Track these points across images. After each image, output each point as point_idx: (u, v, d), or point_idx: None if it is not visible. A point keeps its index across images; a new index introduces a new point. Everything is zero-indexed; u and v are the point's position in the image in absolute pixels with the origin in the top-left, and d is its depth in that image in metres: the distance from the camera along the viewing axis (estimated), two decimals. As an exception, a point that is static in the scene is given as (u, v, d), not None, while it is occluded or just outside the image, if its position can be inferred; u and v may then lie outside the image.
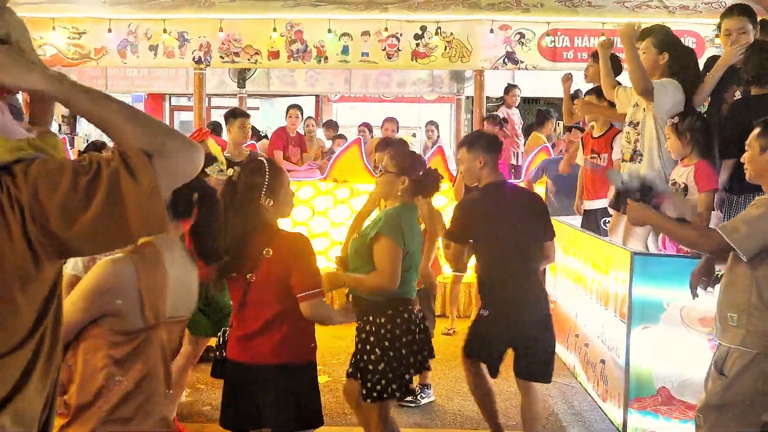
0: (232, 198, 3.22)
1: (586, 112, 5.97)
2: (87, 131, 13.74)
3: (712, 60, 5.07)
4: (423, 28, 8.64)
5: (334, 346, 6.28)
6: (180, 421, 4.82)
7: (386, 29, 8.59)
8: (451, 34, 8.65)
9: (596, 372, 5.04)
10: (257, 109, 15.81)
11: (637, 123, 4.85)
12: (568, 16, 8.53)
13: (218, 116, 10.46)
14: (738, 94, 4.65)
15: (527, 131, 10.89)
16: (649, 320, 4.30)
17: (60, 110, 12.38)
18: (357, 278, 3.76)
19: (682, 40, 5.26)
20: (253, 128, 9.51)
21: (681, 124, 4.42)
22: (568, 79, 6.66)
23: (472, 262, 4.60)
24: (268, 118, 15.48)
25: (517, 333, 4.22)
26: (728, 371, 3.28)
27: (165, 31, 8.65)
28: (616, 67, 5.61)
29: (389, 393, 3.74)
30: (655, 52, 4.79)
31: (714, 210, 4.41)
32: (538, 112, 10.70)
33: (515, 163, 10.18)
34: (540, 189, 7.61)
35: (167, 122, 11.89)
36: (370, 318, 3.77)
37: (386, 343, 3.72)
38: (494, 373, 4.33)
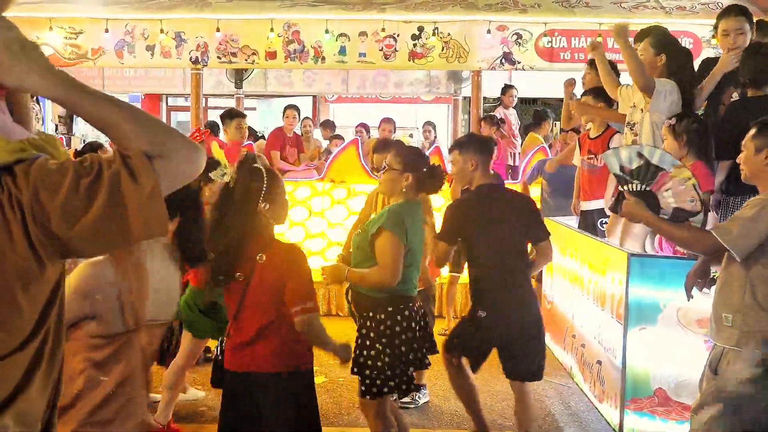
0: (229, 203, 3.20)
1: (582, 113, 5.97)
2: (84, 131, 13.72)
3: (706, 62, 5.08)
4: (420, 29, 8.64)
5: (331, 347, 6.28)
6: (177, 421, 4.81)
7: (383, 30, 8.58)
8: (449, 34, 8.65)
9: (593, 373, 5.04)
10: (254, 109, 15.80)
11: (635, 124, 4.87)
12: (565, 16, 8.53)
13: (215, 117, 10.44)
14: (735, 96, 4.66)
15: (524, 132, 10.91)
16: (646, 321, 4.30)
17: (56, 111, 12.36)
18: (358, 273, 3.77)
19: (678, 40, 5.25)
20: (250, 129, 9.51)
21: (678, 126, 4.43)
22: (570, 84, 6.65)
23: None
24: (265, 118, 15.48)
25: (508, 334, 4.23)
26: (723, 371, 3.28)
27: (162, 31, 8.64)
28: (614, 72, 5.65)
29: (388, 389, 3.74)
30: (652, 53, 4.81)
31: (710, 211, 4.41)
32: (535, 113, 10.71)
33: (512, 164, 10.19)
34: (536, 190, 7.63)
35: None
36: (371, 314, 3.77)
37: (384, 340, 3.72)
38: (476, 368, 4.36)
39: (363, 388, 3.79)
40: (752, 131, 3.33)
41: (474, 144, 4.40)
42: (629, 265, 4.32)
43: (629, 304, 4.33)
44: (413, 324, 3.78)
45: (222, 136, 7.40)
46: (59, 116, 12.88)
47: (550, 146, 9.03)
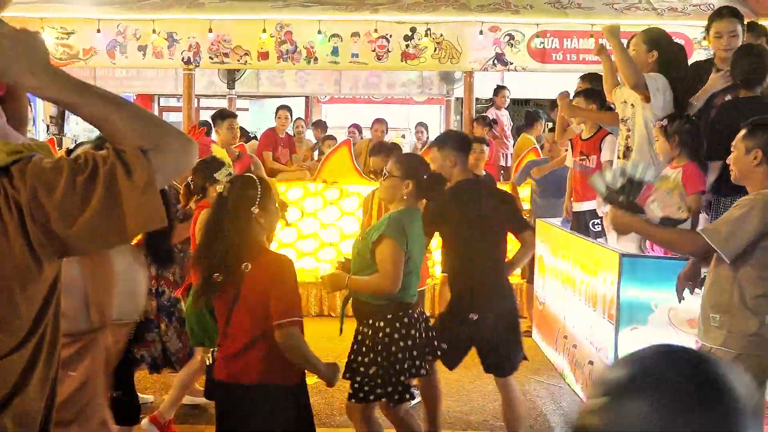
0: (224, 211, 3.18)
1: (574, 115, 5.99)
2: (75, 132, 13.67)
3: (696, 66, 5.09)
4: (413, 30, 8.64)
5: (323, 347, 6.27)
6: (176, 422, 4.81)
7: (376, 30, 8.58)
8: (441, 35, 8.66)
9: (585, 373, 5.05)
10: (246, 110, 15.77)
11: (627, 119, 4.88)
12: (557, 17, 8.55)
13: (207, 117, 10.42)
14: (729, 98, 4.67)
15: (517, 133, 10.92)
16: (637, 321, 4.32)
17: (48, 111, 12.31)
18: (358, 280, 3.76)
19: (672, 38, 5.25)
20: (242, 129, 9.49)
21: (670, 127, 4.44)
22: (565, 97, 6.65)
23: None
24: (257, 119, 15.45)
25: (492, 330, 4.25)
26: None
27: (154, 31, 8.61)
28: (600, 99, 5.72)
29: (374, 396, 3.74)
30: (644, 49, 4.82)
31: (702, 212, 4.43)
32: (527, 114, 10.73)
33: (504, 165, 10.21)
34: (525, 190, 7.65)
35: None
36: (370, 321, 3.76)
37: (380, 347, 3.71)
38: (453, 366, 4.37)
39: (351, 392, 3.80)
40: (742, 132, 3.35)
41: (452, 141, 4.46)
42: (621, 266, 4.34)
43: (620, 305, 4.34)
44: (412, 331, 3.77)
45: (214, 136, 7.38)
46: (51, 116, 12.82)
47: (542, 147, 9.05)
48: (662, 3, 8.50)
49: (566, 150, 6.84)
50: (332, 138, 10.22)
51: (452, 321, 4.30)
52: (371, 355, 3.72)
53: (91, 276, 2.37)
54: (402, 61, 8.76)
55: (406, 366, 3.75)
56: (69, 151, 6.07)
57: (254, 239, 3.18)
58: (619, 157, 5.00)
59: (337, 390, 5.45)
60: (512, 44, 8.71)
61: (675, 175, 4.41)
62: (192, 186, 4.57)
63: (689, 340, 4.15)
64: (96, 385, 2.40)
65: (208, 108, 14.48)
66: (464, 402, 5.47)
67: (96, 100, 1.52)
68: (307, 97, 15.35)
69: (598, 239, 5.45)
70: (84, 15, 8.61)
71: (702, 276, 3.63)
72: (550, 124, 9.13)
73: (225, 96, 12.50)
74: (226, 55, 8.74)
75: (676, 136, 4.40)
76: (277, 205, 3.32)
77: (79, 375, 2.35)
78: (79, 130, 13.60)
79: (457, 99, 12.39)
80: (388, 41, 8.67)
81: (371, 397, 3.73)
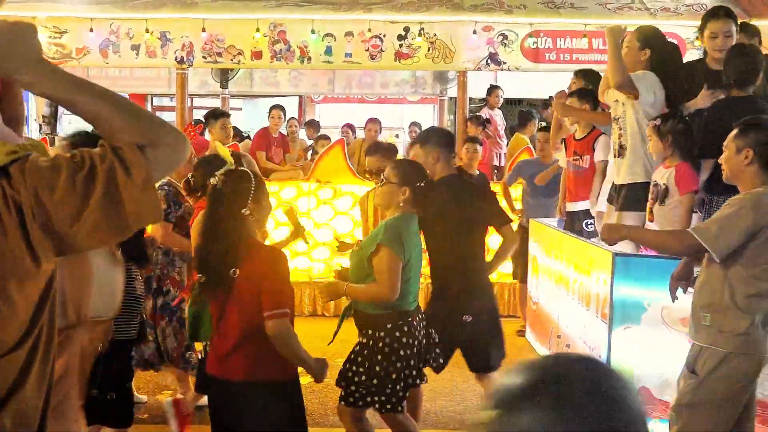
0: (219, 205, 3.17)
1: (567, 115, 6.00)
2: (68, 131, 13.63)
3: (686, 66, 5.10)
4: (406, 29, 8.64)
5: (316, 347, 6.26)
6: (161, 422, 4.79)
7: (369, 30, 8.58)
8: (435, 35, 8.66)
9: (578, 372, 5.06)
10: (240, 109, 15.75)
11: (618, 118, 4.89)
12: (550, 17, 8.56)
13: (200, 117, 10.40)
14: (723, 97, 4.67)
15: (510, 132, 10.94)
16: (631, 320, 4.32)
17: (40, 110, 12.27)
18: (356, 288, 3.76)
19: (666, 37, 5.24)
20: (236, 129, 9.47)
21: (663, 126, 4.45)
22: (561, 96, 6.65)
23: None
24: (250, 118, 15.42)
25: (477, 326, 4.27)
26: (700, 370, 3.32)
27: (147, 30, 8.59)
28: (593, 98, 5.74)
29: (363, 404, 3.74)
30: (637, 47, 4.83)
31: (696, 212, 4.45)
32: (520, 113, 10.74)
33: (498, 164, 10.22)
34: (516, 191, 7.65)
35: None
36: (369, 332, 3.76)
37: (380, 357, 3.70)
38: (439, 370, 4.38)
39: (343, 394, 3.80)
40: (734, 132, 3.36)
41: (434, 137, 4.49)
42: (614, 265, 4.34)
43: (614, 304, 4.35)
44: (411, 340, 3.77)
45: (207, 135, 7.37)
46: (43, 116, 12.77)
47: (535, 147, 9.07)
48: (655, 3, 8.52)
49: (557, 150, 6.85)
50: (326, 138, 10.21)
51: (436, 322, 4.30)
52: (367, 365, 3.71)
53: (69, 273, 2.36)
54: (395, 60, 8.76)
55: (403, 375, 3.75)
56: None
57: (248, 235, 3.18)
58: (615, 157, 5.01)
59: (331, 390, 5.44)
60: (505, 44, 8.72)
61: (668, 175, 4.42)
62: (192, 183, 4.55)
63: (682, 338, 4.17)
64: (70, 382, 2.39)
65: (201, 107, 14.46)
66: (458, 401, 5.47)
67: (90, 95, 1.52)
68: (300, 97, 15.34)
69: (591, 239, 5.46)
70: (77, 14, 8.58)
71: (695, 275, 3.64)
72: (543, 124, 9.15)
73: (218, 95, 12.47)
74: (219, 54, 8.73)
75: (669, 135, 4.41)
76: (291, 223, 3.31)
77: (54, 371, 2.36)
78: (71, 130, 13.57)
79: (451, 98, 12.40)
80: (381, 41, 8.67)
81: (360, 404, 3.74)
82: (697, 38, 5.76)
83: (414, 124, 11.85)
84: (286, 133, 10.24)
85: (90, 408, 3.51)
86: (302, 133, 11.78)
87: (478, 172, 7.46)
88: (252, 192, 3.16)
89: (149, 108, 15.93)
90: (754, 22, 6.19)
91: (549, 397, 0.95)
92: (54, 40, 8.72)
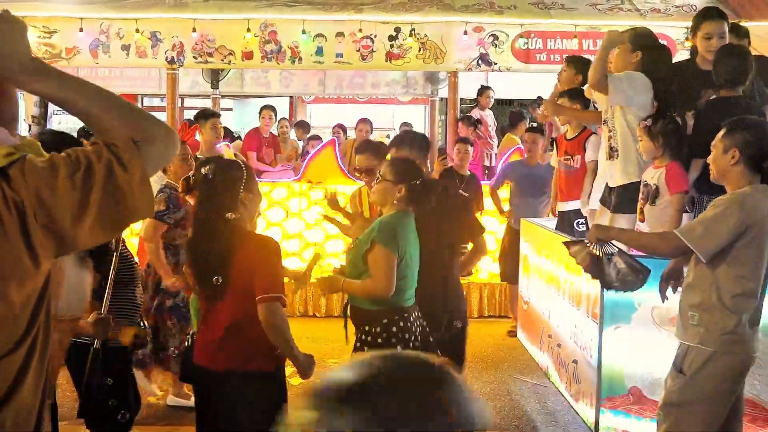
0: (211, 194, 3.16)
1: (558, 114, 6.01)
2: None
3: (674, 67, 5.11)
4: (397, 30, 8.64)
5: (307, 348, 6.25)
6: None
7: (360, 30, 8.58)
8: (425, 35, 8.66)
9: (569, 372, 5.07)
10: (231, 110, 15.71)
11: (607, 120, 4.91)
12: (541, 18, 8.58)
13: (191, 117, 10.37)
14: (714, 97, 4.69)
15: (501, 133, 10.95)
16: (621, 320, 4.34)
17: (30, 110, 12.21)
18: (353, 283, 3.76)
19: (658, 40, 5.25)
20: (226, 129, 9.46)
21: (654, 127, 4.46)
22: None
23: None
24: (241, 119, 15.39)
25: (454, 329, 4.32)
26: (687, 369, 3.33)
27: (137, 30, 8.56)
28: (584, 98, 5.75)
29: None
30: (629, 49, 4.84)
31: (686, 211, 4.46)
32: (511, 114, 10.77)
33: (489, 165, 10.23)
34: (504, 192, 7.66)
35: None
36: (366, 328, 3.75)
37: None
38: None
39: None
40: (721, 132, 3.39)
41: (409, 140, 4.53)
42: (604, 265, 4.35)
43: (604, 304, 4.36)
44: (408, 335, 3.77)
45: (197, 136, 7.35)
46: (33, 116, 12.72)
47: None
48: (645, 4, 8.55)
49: (549, 151, 6.86)
50: (317, 138, 10.21)
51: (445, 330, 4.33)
52: None
53: None
54: (386, 61, 8.76)
55: None
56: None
57: (240, 225, 3.17)
58: (606, 159, 5.01)
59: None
60: (496, 44, 8.73)
61: (658, 175, 4.44)
62: (192, 182, 4.55)
63: (672, 338, 4.18)
64: None
65: (191, 108, 14.41)
66: (449, 401, 5.47)
67: (83, 93, 1.53)
68: (291, 97, 15.30)
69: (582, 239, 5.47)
70: (66, 14, 8.55)
71: (684, 276, 3.66)
72: (534, 124, 9.16)
73: (209, 96, 12.43)
74: (210, 54, 8.71)
75: (661, 136, 4.42)
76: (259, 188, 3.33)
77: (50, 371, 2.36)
78: (61, 130, 13.51)
79: (442, 99, 12.41)
80: (372, 41, 8.67)
81: None
82: (687, 39, 5.79)
83: (405, 124, 11.86)
84: (277, 134, 10.23)
85: (89, 413, 3.49)
86: (292, 134, 11.76)
87: (469, 173, 7.47)
88: (244, 180, 3.16)
89: (140, 108, 15.88)
90: (743, 23, 6.21)
91: (371, 400, 0.90)
92: (44, 40, 8.68)
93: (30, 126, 12.64)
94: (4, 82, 1.55)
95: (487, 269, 8.00)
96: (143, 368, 4.92)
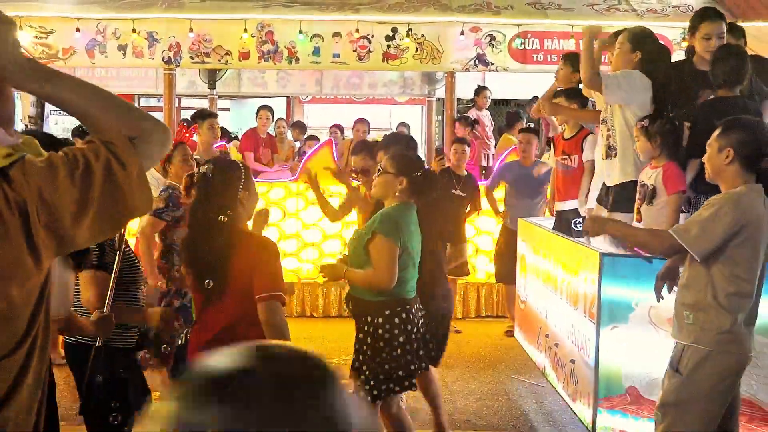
0: (209, 193, 3.15)
1: (555, 113, 6.01)
2: (54, 132, 13.55)
3: (671, 67, 5.11)
4: (394, 30, 8.64)
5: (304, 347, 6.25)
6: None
7: (357, 30, 8.57)
8: (422, 35, 8.66)
9: (566, 372, 5.07)
10: (228, 110, 15.69)
11: (606, 119, 4.91)
12: (538, 18, 8.59)
13: (188, 117, 10.36)
14: (712, 97, 4.69)
15: (498, 133, 10.95)
16: (618, 320, 4.34)
17: (26, 110, 12.20)
18: (356, 272, 3.77)
19: (657, 39, 5.24)
20: (224, 129, 9.45)
21: (651, 127, 4.46)
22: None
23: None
24: (238, 119, 15.38)
25: (435, 327, 4.40)
26: (683, 369, 3.34)
27: (134, 31, 8.55)
28: (581, 98, 5.75)
29: (380, 393, 3.73)
30: (628, 48, 4.83)
31: (683, 211, 4.46)
32: (508, 114, 10.76)
33: (486, 165, 10.23)
34: (499, 193, 7.66)
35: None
36: (368, 318, 3.76)
37: (381, 344, 3.71)
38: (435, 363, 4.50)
39: (353, 388, 3.80)
40: (716, 131, 3.40)
41: (397, 141, 4.55)
42: (601, 265, 4.35)
43: (601, 304, 4.36)
44: (409, 326, 3.77)
45: (194, 136, 7.34)
46: (29, 116, 12.70)
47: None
48: (641, 4, 8.56)
49: (547, 151, 6.86)
50: (314, 138, 10.21)
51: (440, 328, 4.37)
52: (369, 353, 3.71)
53: None
54: (383, 61, 8.76)
55: (410, 358, 3.75)
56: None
57: (237, 225, 3.16)
58: (603, 158, 5.02)
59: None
60: (493, 45, 8.73)
61: (655, 175, 4.44)
62: (195, 179, 4.56)
63: (669, 338, 4.18)
64: None
65: (188, 108, 14.40)
66: (447, 402, 5.47)
67: (78, 91, 1.53)
68: (288, 98, 15.30)
69: (579, 238, 5.47)
70: (63, 14, 8.54)
71: (680, 276, 3.67)
72: (531, 125, 9.16)
73: (206, 96, 12.43)
74: (206, 54, 8.70)
75: (658, 136, 4.43)
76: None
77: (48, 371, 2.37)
78: (58, 130, 13.49)
79: (439, 99, 12.41)
80: (369, 41, 8.66)
81: (375, 393, 3.73)
82: (684, 39, 5.79)
83: (402, 124, 11.86)
84: (274, 134, 10.22)
85: (89, 413, 3.47)
86: (289, 134, 11.76)
87: (466, 173, 7.48)
88: (243, 180, 3.16)
89: (136, 109, 15.86)
90: (739, 23, 6.22)
91: (242, 395, 0.83)
92: (40, 41, 8.66)
93: (26, 126, 12.63)
94: (1, 82, 1.55)
95: (484, 269, 8.01)
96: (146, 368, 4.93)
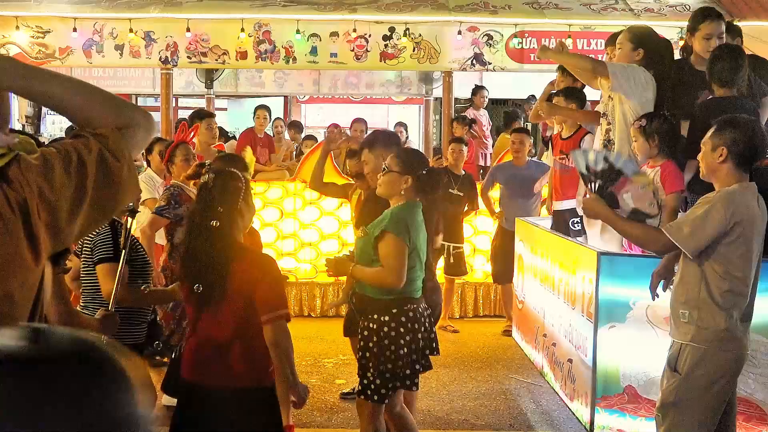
0: (207, 204, 3.13)
1: (553, 114, 6.01)
2: (51, 132, 13.54)
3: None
4: (391, 29, 8.64)
5: (302, 348, 6.26)
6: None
7: (355, 30, 8.58)
8: (420, 35, 8.66)
9: (564, 371, 5.08)
10: (225, 109, 15.69)
11: (607, 113, 4.90)
12: (535, 18, 8.59)
13: (185, 117, 10.34)
14: (710, 97, 4.69)
15: (496, 133, 10.96)
16: (616, 319, 4.34)
17: (23, 111, 12.19)
18: (363, 269, 3.76)
19: (659, 36, 5.23)
20: (221, 129, 9.45)
21: (649, 127, 4.46)
22: (553, 83, 6.65)
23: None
24: (236, 119, 15.38)
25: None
26: (681, 368, 3.34)
27: (131, 30, 8.54)
28: (580, 98, 5.76)
29: (380, 397, 3.72)
30: (630, 47, 4.82)
31: (680, 211, 4.46)
32: (505, 114, 10.76)
33: (483, 164, 10.24)
34: (495, 193, 7.66)
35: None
36: (375, 316, 3.74)
37: (387, 342, 3.70)
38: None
39: (359, 387, 3.79)
40: (711, 130, 3.41)
41: (381, 140, 4.53)
42: (599, 264, 4.36)
43: (599, 303, 4.36)
44: (416, 326, 3.77)
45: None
46: (26, 116, 12.69)
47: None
48: (638, 4, 8.57)
49: (545, 151, 6.86)
50: (312, 138, 10.20)
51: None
52: (374, 350, 3.71)
53: None
54: (381, 61, 8.76)
55: (415, 358, 3.74)
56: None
57: (235, 237, 3.15)
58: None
59: (317, 390, 5.44)
60: (491, 44, 8.74)
61: (653, 175, 4.44)
62: (204, 171, 4.56)
63: (666, 337, 4.19)
64: None
65: (186, 108, 14.39)
66: (445, 402, 5.48)
67: (64, 85, 1.54)
68: (285, 97, 15.29)
69: (577, 238, 5.48)
70: (60, 14, 8.53)
71: (675, 273, 3.67)
72: (528, 125, 9.17)
73: (203, 96, 12.43)
74: (204, 54, 8.70)
75: (656, 136, 4.43)
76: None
77: None
78: (55, 130, 13.48)
79: (436, 99, 12.42)
80: (366, 41, 8.67)
81: (375, 398, 3.71)
82: (681, 38, 5.79)
83: (400, 124, 11.86)
84: (271, 134, 10.21)
85: None
86: (286, 134, 11.75)
87: (463, 172, 7.48)
88: (243, 192, 3.15)
89: (134, 108, 15.84)
90: (736, 22, 6.22)
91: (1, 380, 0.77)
92: (37, 40, 8.66)
93: (24, 126, 12.61)
94: None
95: (481, 269, 8.01)
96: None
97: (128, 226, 3.36)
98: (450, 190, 7.03)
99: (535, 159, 8.07)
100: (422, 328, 3.80)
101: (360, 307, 3.86)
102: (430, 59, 8.76)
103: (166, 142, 6.14)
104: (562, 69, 6.19)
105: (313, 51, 8.71)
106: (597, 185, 3.61)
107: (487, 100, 10.81)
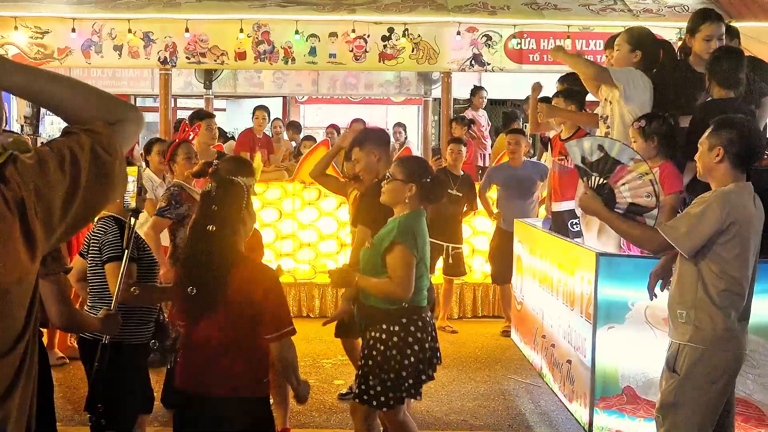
0: (210, 212, 3.11)
1: (553, 116, 6.01)
2: (50, 132, 13.52)
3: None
4: (390, 30, 8.64)
5: (301, 349, 6.25)
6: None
7: (354, 30, 8.57)
8: (419, 35, 8.67)
9: (562, 372, 5.08)
10: (224, 110, 15.68)
11: (607, 117, 4.91)
12: (534, 18, 8.60)
13: (184, 117, 10.33)
14: (710, 98, 4.69)
15: (495, 133, 10.96)
16: (615, 320, 4.34)
17: (22, 111, 12.18)
18: (369, 280, 3.73)
19: (656, 37, 5.23)
20: (220, 129, 9.44)
21: (648, 128, 4.46)
22: (537, 88, 6.68)
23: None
24: (234, 119, 15.37)
25: None
26: (680, 369, 3.34)
27: (130, 31, 8.54)
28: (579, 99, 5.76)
29: (379, 403, 3.71)
30: (628, 49, 4.82)
31: (678, 212, 4.46)
32: (504, 114, 10.76)
33: (482, 165, 10.24)
34: (492, 194, 7.66)
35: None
36: (383, 326, 3.71)
37: (395, 351, 3.68)
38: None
39: (357, 391, 3.78)
40: (708, 130, 3.42)
41: (371, 137, 4.53)
42: (598, 265, 4.36)
43: (598, 304, 4.36)
44: (424, 335, 3.75)
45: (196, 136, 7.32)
46: (25, 117, 12.67)
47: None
48: (637, 4, 8.57)
49: (545, 152, 6.86)
50: (311, 138, 10.20)
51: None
52: (378, 359, 3.68)
53: None
54: (380, 61, 8.76)
55: (422, 368, 3.74)
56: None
57: (237, 245, 3.14)
58: None
59: (314, 391, 5.44)
60: (489, 45, 8.74)
61: (652, 175, 4.44)
62: (210, 170, 4.56)
63: (665, 338, 4.18)
64: None
65: (184, 108, 14.38)
66: (443, 402, 5.48)
67: (54, 81, 1.56)
68: (284, 98, 15.29)
69: (576, 239, 5.48)
70: (58, 14, 8.53)
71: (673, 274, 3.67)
72: (526, 125, 9.15)
73: (202, 96, 12.42)
74: (203, 55, 8.70)
75: (655, 137, 4.43)
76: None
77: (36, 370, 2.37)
78: (54, 130, 13.46)
79: (435, 99, 12.42)
80: (365, 42, 8.67)
81: (374, 403, 3.70)
82: (680, 39, 5.79)
83: (399, 125, 11.86)
84: (270, 134, 10.21)
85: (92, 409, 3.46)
86: (284, 135, 11.75)
87: (462, 173, 7.48)
88: (245, 202, 3.14)
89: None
90: (734, 23, 6.23)
91: None
92: (35, 41, 8.65)
93: (22, 127, 12.60)
94: None
95: (480, 269, 8.01)
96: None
97: (131, 226, 3.37)
98: (449, 191, 7.04)
99: (531, 159, 8.08)
100: (429, 338, 3.78)
101: (366, 318, 3.83)
102: (429, 60, 8.76)
103: (165, 142, 6.14)
104: (561, 80, 6.22)
105: (312, 51, 8.71)
106: (594, 180, 3.60)
107: (485, 100, 10.81)
